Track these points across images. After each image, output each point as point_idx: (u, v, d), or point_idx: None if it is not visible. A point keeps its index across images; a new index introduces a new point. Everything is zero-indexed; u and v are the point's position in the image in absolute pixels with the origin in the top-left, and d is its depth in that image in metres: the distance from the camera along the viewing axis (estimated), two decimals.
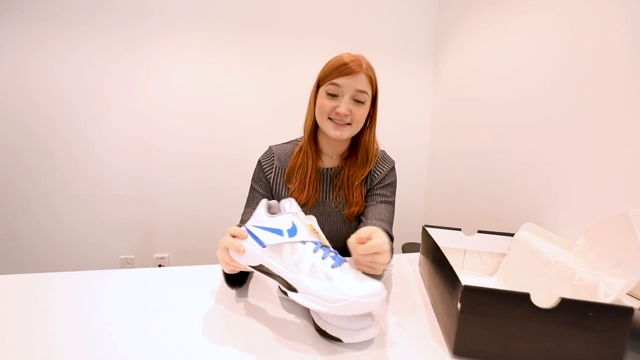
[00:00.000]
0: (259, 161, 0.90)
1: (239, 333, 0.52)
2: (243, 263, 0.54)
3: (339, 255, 0.52)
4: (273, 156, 0.89)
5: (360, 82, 0.76)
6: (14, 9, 1.48)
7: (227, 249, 0.55)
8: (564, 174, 1.04)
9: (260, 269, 0.53)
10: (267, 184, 0.88)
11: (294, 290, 0.49)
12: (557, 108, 1.07)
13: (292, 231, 0.51)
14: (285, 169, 0.87)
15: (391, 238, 0.79)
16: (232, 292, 0.65)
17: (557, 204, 1.06)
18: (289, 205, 0.56)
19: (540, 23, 1.15)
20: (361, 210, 0.86)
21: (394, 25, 1.85)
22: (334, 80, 0.75)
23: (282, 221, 0.52)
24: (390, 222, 0.84)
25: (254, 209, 0.60)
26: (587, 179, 0.96)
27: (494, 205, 1.39)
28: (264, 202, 0.58)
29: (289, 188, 0.86)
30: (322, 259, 0.49)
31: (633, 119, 0.83)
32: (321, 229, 0.59)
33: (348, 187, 0.85)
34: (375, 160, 0.88)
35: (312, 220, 0.56)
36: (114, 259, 1.75)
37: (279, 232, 0.51)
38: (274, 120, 1.79)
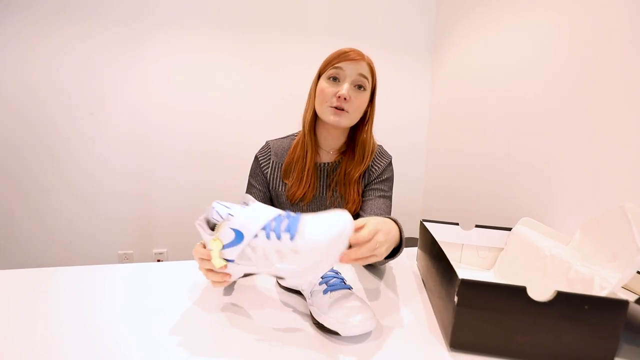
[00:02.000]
0: (255, 156, 0.90)
1: (238, 327, 0.53)
2: (233, 279, 0.53)
3: (289, 215, 0.50)
4: (270, 151, 0.89)
5: (362, 67, 0.78)
6: (13, 6, 1.47)
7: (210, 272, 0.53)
8: (560, 170, 1.04)
9: (249, 274, 0.53)
10: (264, 179, 0.88)
11: (282, 278, 0.49)
12: (555, 106, 1.06)
13: (239, 234, 0.48)
14: (282, 164, 0.87)
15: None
16: (231, 287, 0.66)
17: (554, 200, 1.06)
18: (218, 214, 0.51)
19: (539, 21, 1.14)
20: (358, 209, 0.86)
21: (392, 23, 1.85)
22: (337, 64, 0.77)
23: (225, 234, 0.49)
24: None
25: None
26: (583, 174, 0.96)
27: (492, 202, 1.39)
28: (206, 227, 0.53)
29: (286, 183, 0.86)
30: (279, 239, 0.46)
31: (631, 117, 0.83)
32: None
33: (344, 184, 0.85)
34: (372, 157, 0.88)
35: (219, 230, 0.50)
36: (113, 254, 1.75)
37: (231, 243, 0.48)
38: (273, 117, 1.79)
